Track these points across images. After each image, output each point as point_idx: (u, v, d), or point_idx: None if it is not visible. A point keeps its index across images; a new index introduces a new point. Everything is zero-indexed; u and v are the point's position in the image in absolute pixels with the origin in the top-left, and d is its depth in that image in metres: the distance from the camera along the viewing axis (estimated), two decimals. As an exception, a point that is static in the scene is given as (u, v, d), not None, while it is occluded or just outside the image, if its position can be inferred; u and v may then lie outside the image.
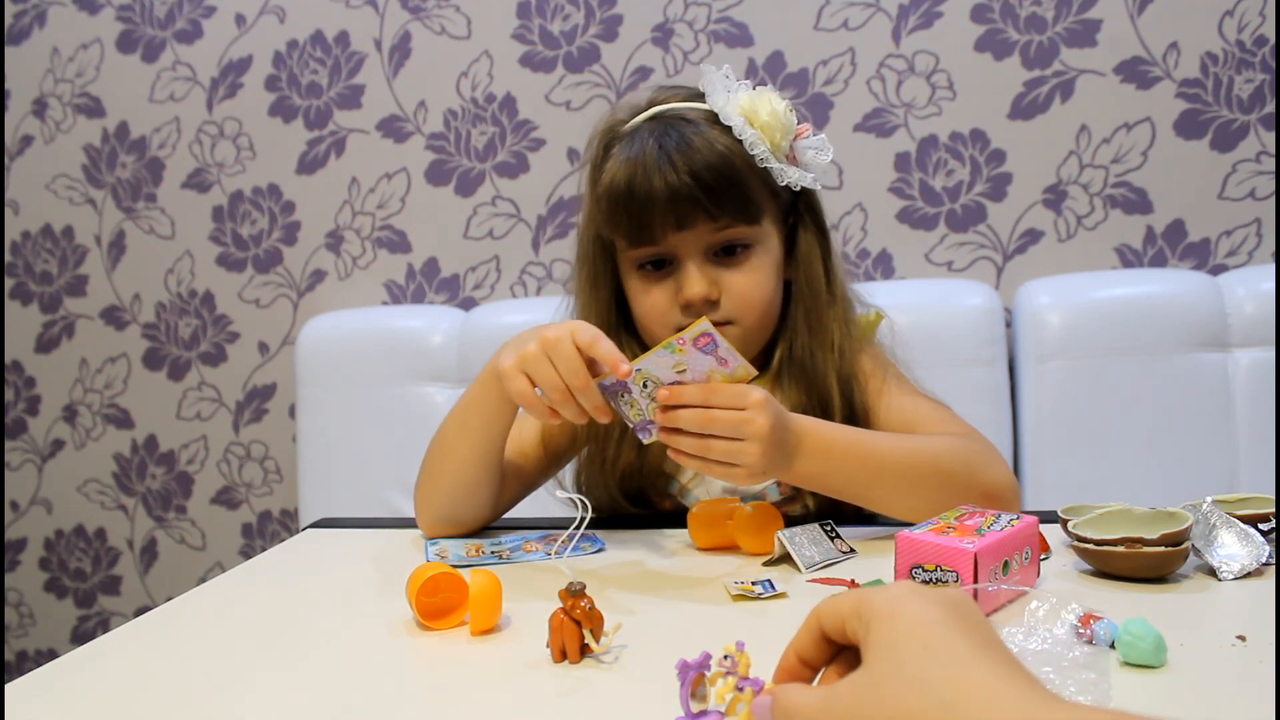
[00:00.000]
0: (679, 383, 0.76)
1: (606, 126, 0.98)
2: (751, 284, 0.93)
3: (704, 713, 0.51)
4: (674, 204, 0.88)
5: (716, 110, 0.92)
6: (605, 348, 0.75)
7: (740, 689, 0.48)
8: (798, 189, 0.94)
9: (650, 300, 0.94)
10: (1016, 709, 0.36)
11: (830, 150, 0.95)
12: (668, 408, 0.76)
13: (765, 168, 0.91)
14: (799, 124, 0.94)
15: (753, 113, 0.90)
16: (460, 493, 0.93)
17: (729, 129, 0.91)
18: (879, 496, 0.86)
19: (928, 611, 0.40)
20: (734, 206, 0.90)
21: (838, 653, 0.46)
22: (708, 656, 0.51)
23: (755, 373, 0.77)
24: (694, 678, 0.51)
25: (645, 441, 0.80)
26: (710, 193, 0.88)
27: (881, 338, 1.05)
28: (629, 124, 0.95)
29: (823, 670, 0.46)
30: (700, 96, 0.95)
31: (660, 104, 0.96)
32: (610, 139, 0.96)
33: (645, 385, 0.76)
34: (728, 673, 0.49)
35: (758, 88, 0.93)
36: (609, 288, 0.99)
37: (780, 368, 0.97)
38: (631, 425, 0.79)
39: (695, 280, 0.90)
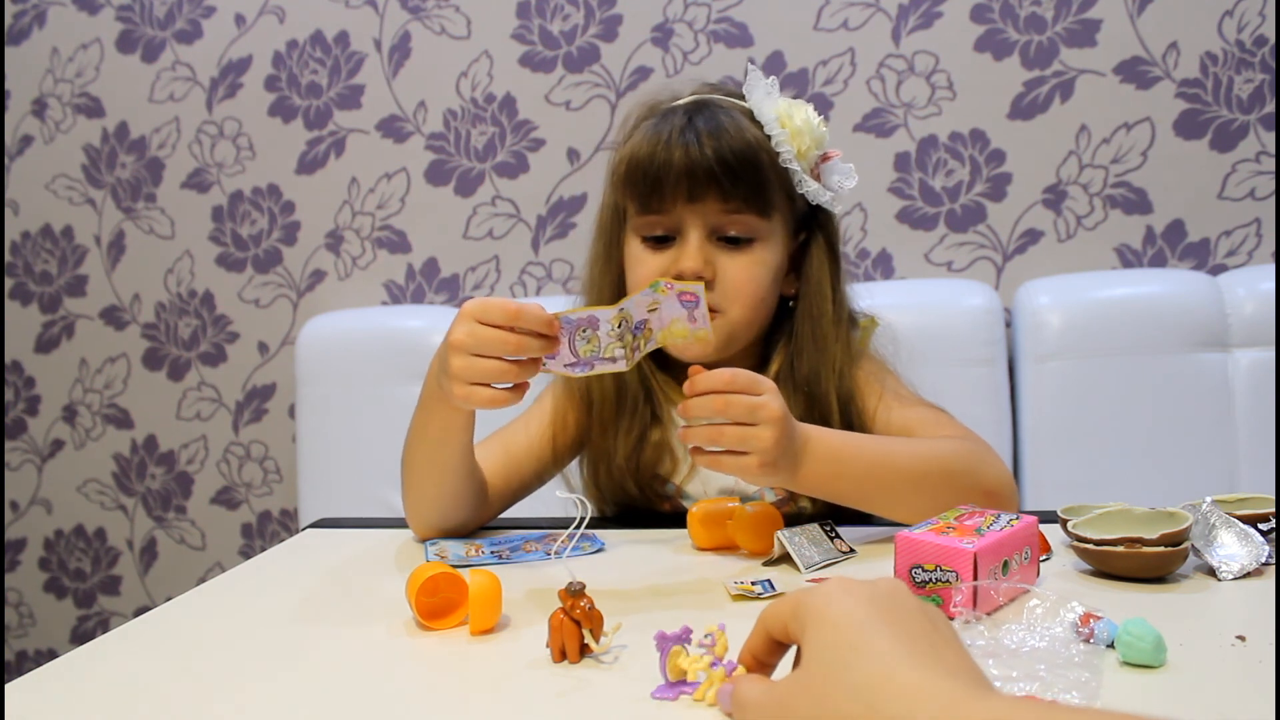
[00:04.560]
0: (646, 321, 0.76)
1: (646, 105, 0.99)
2: (747, 275, 0.93)
3: (681, 682, 0.52)
4: (689, 175, 0.89)
5: (752, 106, 0.94)
6: (529, 310, 0.72)
7: (713, 667, 0.50)
8: (814, 202, 0.95)
9: (645, 269, 0.94)
10: (940, 705, 0.37)
11: (855, 178, 0.97)
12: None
13: (787, 169, 0.93)
14: (832, 149, 0.97)
15: (788, 116, 0.93)
16: (444, 505, 0.92)
17: (761, 126, 0.93)
18: (886, 501, 0.86)
19: (855, 611, 0.42)
20: (748, 190, 0.90)
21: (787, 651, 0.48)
22: (688, 630, 0.52)
23: (714, 339, 0.80)
24: (672, 649, 0.52)
25: (576, 374, 0.77)
26: (728, 171, 0.89)
27: (879, 344, 1.05)
28: (667, 105, 0.97)
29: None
30: (743, 97, 0.96)
31: (703, 95, 0.98)
32: (646, 114, 0.97)
33: (619, 325, 0.75)
34: (706, 651, 0.50)
35: (797, 99, 0.96)
36: (621, 261, 0.99)
37: (778, 380, 0.96)
38: (575, 359, 0.77)
39: (693, 254, 0.91)
